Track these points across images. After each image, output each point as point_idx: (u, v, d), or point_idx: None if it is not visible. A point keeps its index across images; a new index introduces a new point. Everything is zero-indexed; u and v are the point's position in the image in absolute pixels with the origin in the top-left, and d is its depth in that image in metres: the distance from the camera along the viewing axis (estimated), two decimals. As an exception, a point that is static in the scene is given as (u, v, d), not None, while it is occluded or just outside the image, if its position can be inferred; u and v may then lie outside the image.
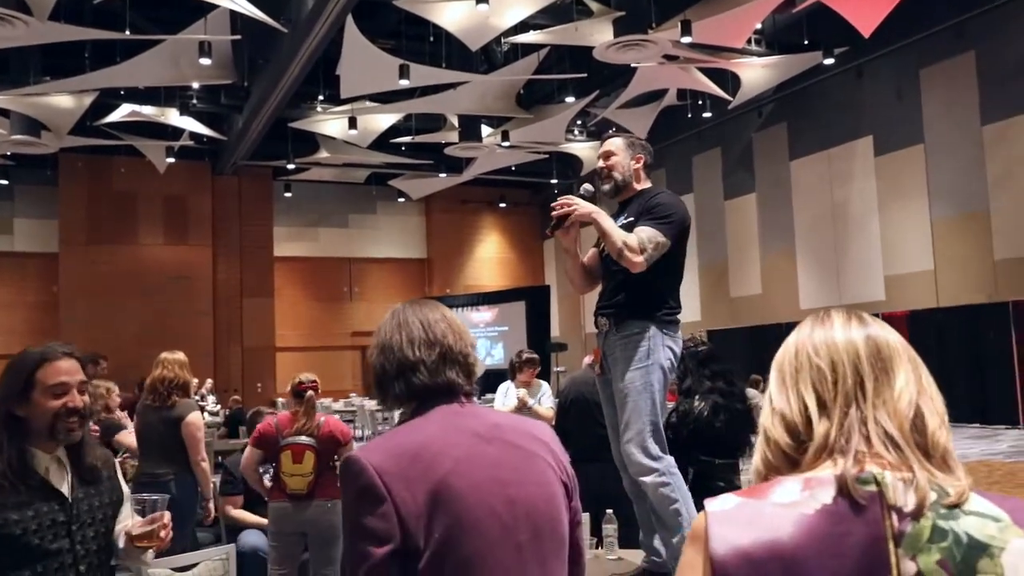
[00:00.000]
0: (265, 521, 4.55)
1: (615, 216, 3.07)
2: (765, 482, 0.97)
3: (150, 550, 2.12)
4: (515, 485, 1.39)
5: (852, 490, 0.90)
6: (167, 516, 2.14)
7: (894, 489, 0.91)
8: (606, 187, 3.13)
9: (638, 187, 3.11)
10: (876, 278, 13.27)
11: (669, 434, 3.67)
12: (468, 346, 1.52)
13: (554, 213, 2.92)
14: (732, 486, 3.68)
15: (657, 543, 2.94)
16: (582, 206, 2.91)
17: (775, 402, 1.02)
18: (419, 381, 1.45)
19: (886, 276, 13.14)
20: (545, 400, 5.91)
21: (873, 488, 0.91)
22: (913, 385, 0.98)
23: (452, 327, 1.52)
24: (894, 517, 0.90)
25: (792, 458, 0.98)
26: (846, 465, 0.92)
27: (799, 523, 0.90)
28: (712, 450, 3.81)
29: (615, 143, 3.14)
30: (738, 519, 0.93)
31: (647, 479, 2.78)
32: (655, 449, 2.79)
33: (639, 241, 2.82)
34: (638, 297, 2.91)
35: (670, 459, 2.83)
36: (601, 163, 3.15)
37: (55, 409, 1.99)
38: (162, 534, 2.09)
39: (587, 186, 3.19)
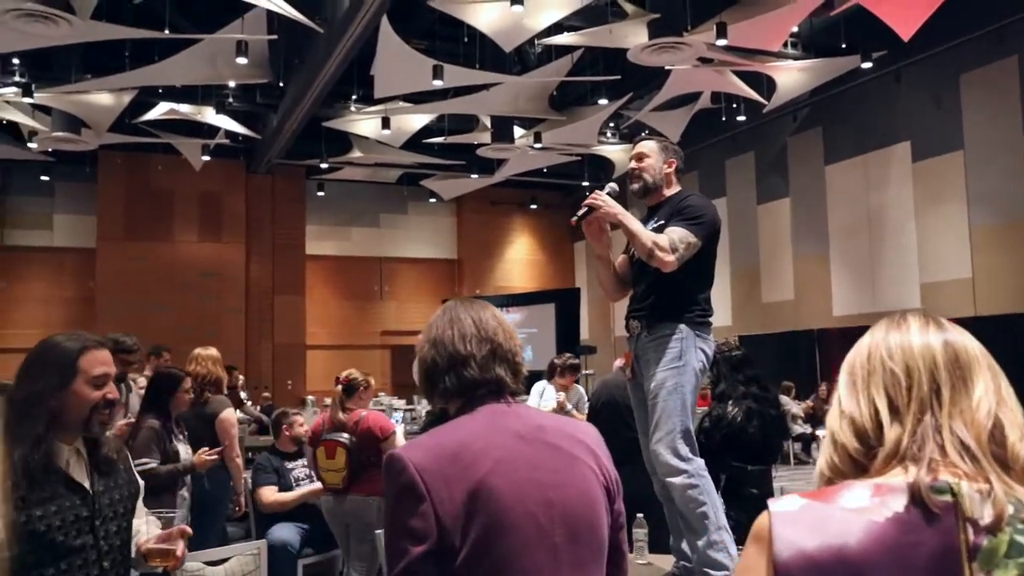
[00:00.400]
0: (299, 493, 4.73)
1: (644, 221, 3.08)
2: (830, 486, 0.94)
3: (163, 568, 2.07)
4: (554, 487, 1.39)
5: (926, 499, 0.87)
6: (183, 534, 2.09)
7: (970, 500, 0.87)
8: (635, 187, 3.14)
9: (668, 192, 3.12)
10: (912, 285, 13.07)
11: (702, 439, 3.65)
12: (516, 346, 1.54)
13: (584, 203, 2.94)
14: (765, 493, 3.65)
15: (686, 547, 2.92)
16: (610, 204, 2.91)
17: (844, 405, 0.98)
18: (469, 375, 1.47)
19: (922, 284, 12.93)
20: (581, 405, 5.95)
21: (948, 498, 0.87)
22: (992, 395, 0.94)
23: (502, 326, 1.53)
24: (969, 530, 0.86)
25: (860, 463, 0.94)
26: (919, 473, 0.89)
27: (868, 530, 0.87)
28: (745, 456, 3.78)
29: (648, 146, 3.16)
30: (804, 522, 0.90)
31: (675, 480, 2.76)
32: (684, 451, 2.77)
33: (670, 241, 2.83)
34: (670, 299, 2.90)
35: (700, 462, 2.81)
36: (633, 164, 3.16)
37: (95, 400, 1.93)
38: (178, 553, 2.04)
39: (613, 185, 3.16)
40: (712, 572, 2.71)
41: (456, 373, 1.47)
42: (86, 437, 1.97)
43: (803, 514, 0.90)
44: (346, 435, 4.34)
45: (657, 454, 2.82)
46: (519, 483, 1.35)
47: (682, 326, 2.86)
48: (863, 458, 0.94)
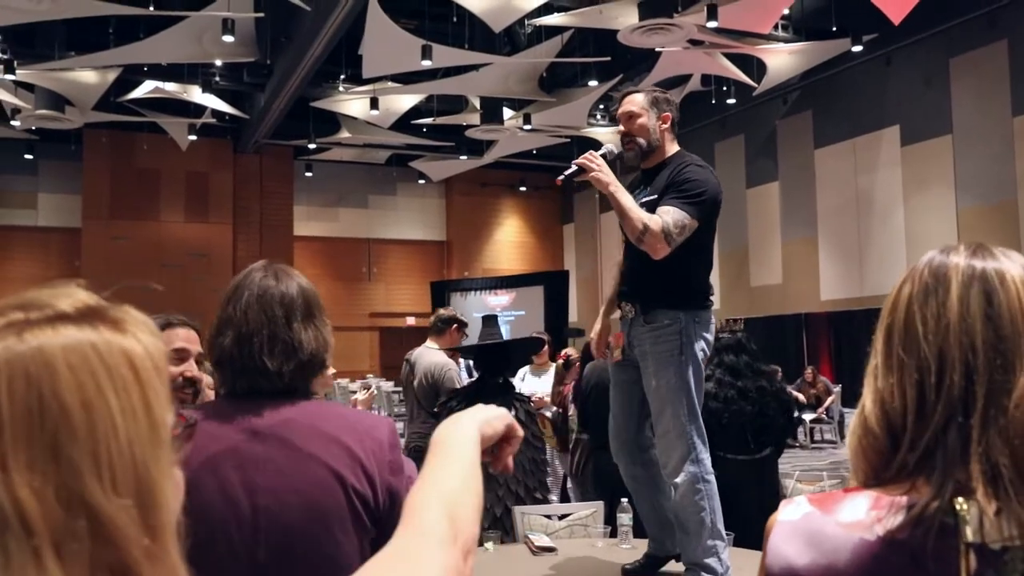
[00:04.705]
0: None
1: (638, 186, 2.75)
2: (838, 492, 0.84)
3: None
4: (268, 492, 1.26)
5: (927, 519, 0.76)
6: None
7: (977, 524, 0.76)
8: (630, 153, 2.75)
9: (667, 152, 2.74)
10: (900, 269, 13.03)
11: None
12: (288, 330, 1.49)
13: (575, 162, 2.62)
14: (728, 483, 3.61)
15: (658, 532, 2.83)
16: (604, 171, 2.59)
17: (880, 382, 0.85)
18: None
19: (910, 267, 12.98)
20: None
21: (950, 520, 0.76)
22: None
23: (275, 302, 1.51)
24: (972, 558, 0.75)
25: (886, 457, 0.82)
26: (927, 489, 0.78)
27: (859, 550, 0.78)
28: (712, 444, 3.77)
29: (637, 101, 2.74)
30: (800, 534, 0.82)
31: (680, 480, 2.61)
32: (694, 451, 2.61)
33: (663, 225, 2.51)
34: (667, 283, 2.63)
35: (708, 463, 2.64)
36: (623, 126, 2.76)
37: (172, 377, 1.90)
38: None
39: (611, 146, 2.76)
40: (703, 574, 2.61)
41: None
42: None
43: (802, 525, 0.82)
44: None
45: (665, 452, 2.66)
46: (226, 484, 1.24)
47: (681, 315, 2.61)
48: (889, 453, 0.82)
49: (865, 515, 0.80)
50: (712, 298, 2.77)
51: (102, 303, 0.58)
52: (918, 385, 0.82)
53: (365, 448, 1.35)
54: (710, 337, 2.71)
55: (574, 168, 2.64)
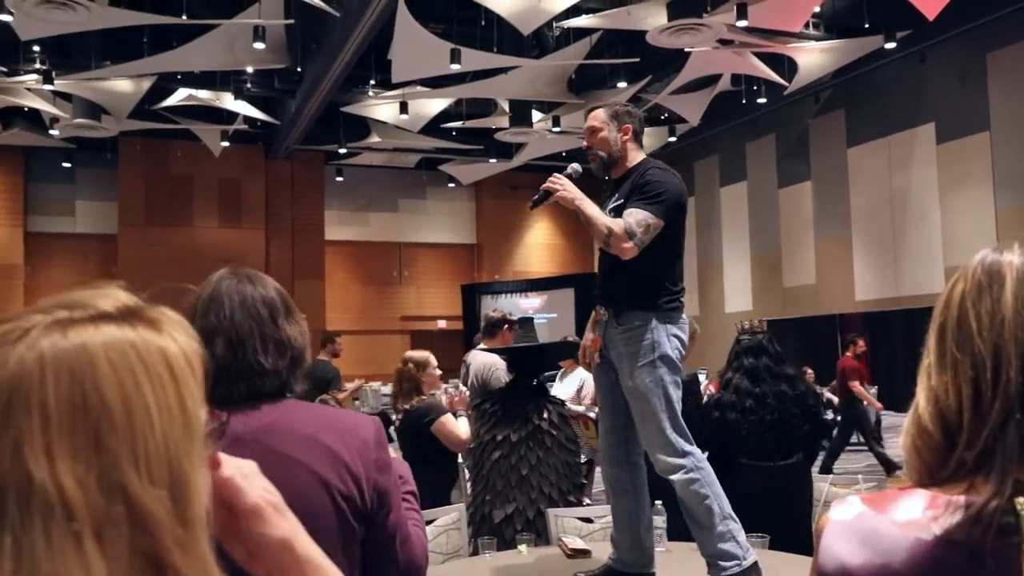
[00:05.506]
0: None
1: (608, 197, 2.91)
2: (890, 492, 0.83)
3: None
4: None
5: (986, 519, 0.75)
6: None
7: None
8: (593, 165, 2.94)
9: (630, 162, 2.90)
10: (936, 269, 12.90)
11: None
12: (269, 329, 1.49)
13: (542, 187, 2.80)
14: (744, 490, 3.55)
15: (627, 542, 2.84)
16: (568, 188, 2.75)
17: (934, 380, 0.83)
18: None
19: (947, 267, 12.76)
20: (587, 388, 5.82)
21: (1012, 520, 0.74)
22: None
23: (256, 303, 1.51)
24: None
25: (942, 455, 0.81)
26: (986, 488, 0.76)
27: (915, 550, 0.77)
28: (718, 446, 3.69)
29: (598, 116, 2.93)
30: (854, 533, 0.81)
31: (675, 477, 2.66)
32: (679, 445, 2.66)
33: (626, 227, 2.64)
34: (636, 286, 2.75)
35: (697, 452, 2.71)
36: (585, 141, 2.95)
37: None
38: None
39: (576, 166, 2.97)
40: (723, 563, 2.62)
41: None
42: None
43: (855, 524, 0.81)
44: None
45: (651, 453, 2.73)
46: None
47: (652, 315, 2.71)
48: (945, 451, 0.80)
49: (921, 514, 0.78)
50: (683, 299, 2.86)
51: (140, 304, 0.60)
52: (973, 382, 0.80)
53: (349, 448, 1.35)
54: (684, 335, 2.81)
55: (541, 193, 2.82)
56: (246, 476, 0.75)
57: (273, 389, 1.41)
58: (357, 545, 1.34)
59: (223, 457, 0.73)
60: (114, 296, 0.60)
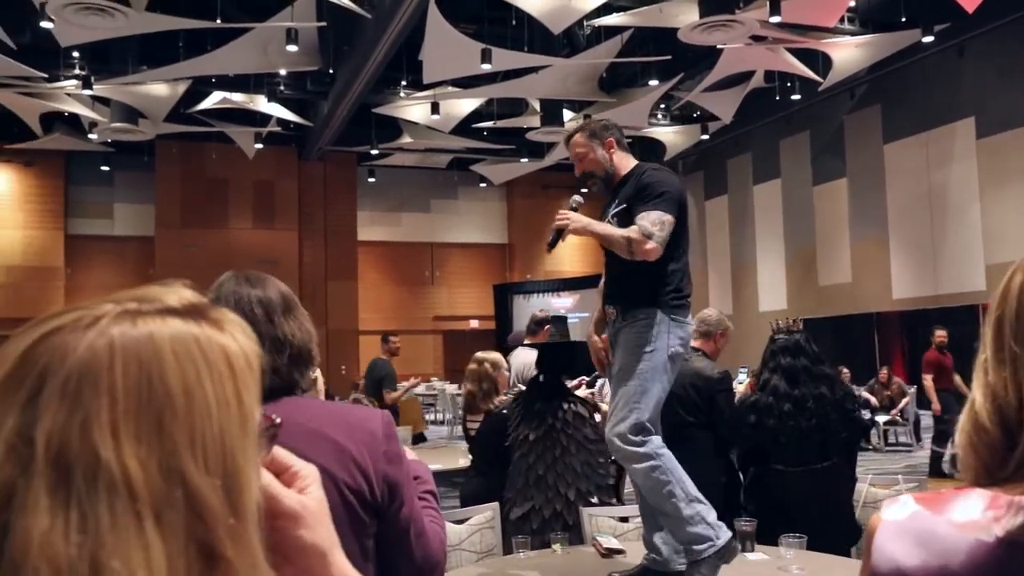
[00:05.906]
0: None
1: (608, 204, 2.98)
2: (946, 492, 0.80)
3: None
4: None
5: None
6: None
7: None
8: (595, 188, 3.04)
9: (623, 170, 2.97)
10: (976, 267, 12.67)
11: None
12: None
13: (551, 228, 2.85)
14: (779, 496, 3.49)
15: (658, 540, 2.82)
16: (576, 219, 2.82)
17: (991, 375, 0.80)
18: None
19: (987, 265, 12.52)
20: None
21: None
22: None
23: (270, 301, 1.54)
24: None
25: (1001, 454, 0.78)
26: None
27: (975, 551, 0.74)
28: (740, 449, 3.63)
29: (578, 141, 2.99)
30: (908, 534, 0.78)
31: (635, 467, 2.67)
32: (634, 436, 2.66)
33: (642, 230, 2.70)
34: (643, 283, 2.80)
35: (656, 440, 2.69)
36: (576, 169, 3.02)
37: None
38: None
39: (577, 197, 3.02)
40: (696, 547, 2.61)
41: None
42: None
43: (910, 524, 0.79)
44: None
45: (610, 441, 2.74)
46: None
47: (657, 311, 2.75)
48: (1004, 450, 0.77)
49: (981, 515, 0.75)
50: (689, 298, 2.88)
51: (205, 303, 0.63)
52: None
53: (356, 441, 1.35)
54: (686, 335, 2.84)
55: (553, 233, 2.88)
56: (298, 477, 0.75)
57: (273, 386, 1.40)
58: (370, 539, 1.34)
59: (283, 453, 0.75)
60: (180, 293, 0.62)
